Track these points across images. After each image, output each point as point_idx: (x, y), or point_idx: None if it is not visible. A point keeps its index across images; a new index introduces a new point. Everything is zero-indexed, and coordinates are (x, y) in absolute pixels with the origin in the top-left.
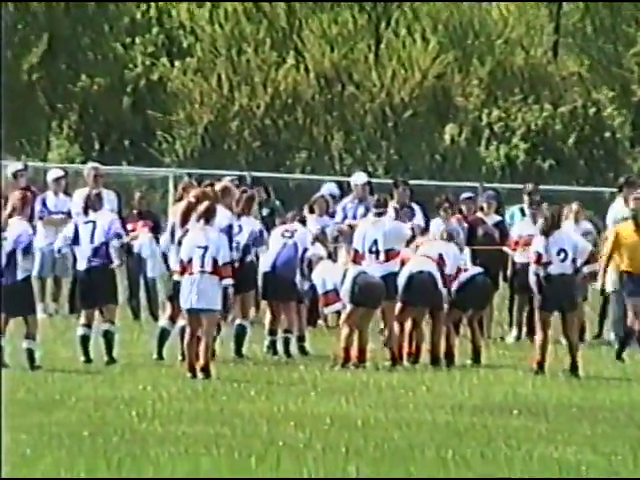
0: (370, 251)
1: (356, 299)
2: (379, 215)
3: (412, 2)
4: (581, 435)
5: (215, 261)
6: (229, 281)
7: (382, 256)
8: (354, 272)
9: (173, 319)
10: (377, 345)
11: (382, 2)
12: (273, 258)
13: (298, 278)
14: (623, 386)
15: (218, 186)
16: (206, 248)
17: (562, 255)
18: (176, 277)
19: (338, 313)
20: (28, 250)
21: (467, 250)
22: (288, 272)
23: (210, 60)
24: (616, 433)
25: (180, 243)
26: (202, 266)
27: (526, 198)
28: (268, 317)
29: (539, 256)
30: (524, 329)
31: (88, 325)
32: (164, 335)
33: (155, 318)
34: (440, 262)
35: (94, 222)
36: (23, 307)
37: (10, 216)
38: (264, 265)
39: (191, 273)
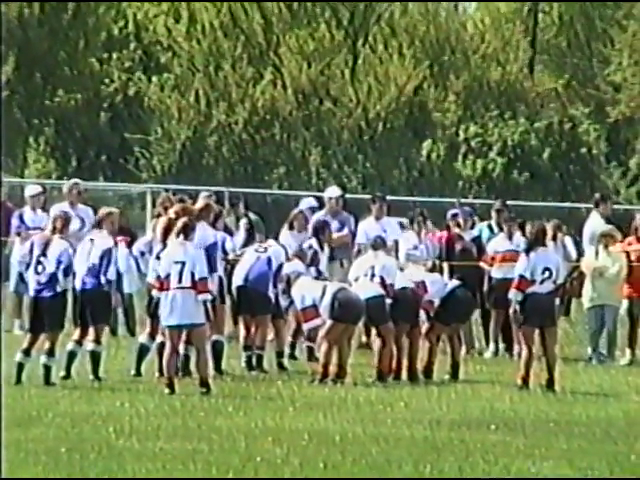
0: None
1: (336, 315)
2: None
3: (389, 1)
4: (558, 450)
5: (193, 276)
6: (206, 296)
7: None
8: (334, 288)
9: (153, 335)
10: (355, 360)
11: (361, 1)
12: (245, 272)
13: (271, 292)
14: (599, 401)
15: (199, 204)
16: (184, 263)
17: (547, 274)
18: (154, 293)
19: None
20: (68, 272)
21: (445, 265)
22: (261, 286)
23: (188, 76)
24: (592, 448)
25: (158, 258)
26: (180, 281)
27: (494, 215)
28: (242, 333)
29: (521, 280)
30: (501, 344)
31: (79, 342)
32: (143, 351)
33: (132, 334)
34: (421, 289)
35: (92, 241)
36: (53, 323)
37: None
38: (237, 279)
39: (168, 289)
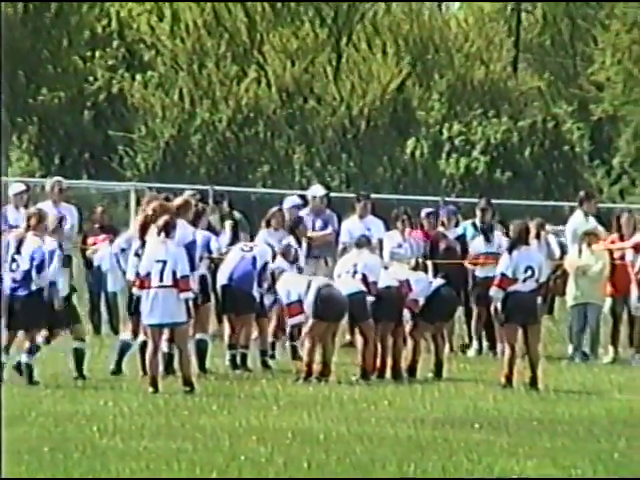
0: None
1: (319, 312)
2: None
3: (372, 1)
4: (541, 448)
5: (175, 274)
6: (188, 294)
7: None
8: (318, 284)
9: (135, 333)
10: (339, 359)
11: (344, 0)
12: (230, 271)
13: (255, 291)
14: (582, 400)
15: (178, 200)
16: (165, 262)
17: (529, 272)
18: (135, 291)
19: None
20: (41, 268)
21: (429, 264)
22: (245, 285)
23: (171, 74)
24: (576, 446)
25: (137, 255)
26: (161, 280)
27: (478, 213)
28: (227, 331)
29: (502, 279)
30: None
31: (47, 340)
32: (124, 348)
33: (116, 332)
34: (406, 287)
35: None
36: (29, 321)
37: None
38: (221, 278)
39: (149, 287)
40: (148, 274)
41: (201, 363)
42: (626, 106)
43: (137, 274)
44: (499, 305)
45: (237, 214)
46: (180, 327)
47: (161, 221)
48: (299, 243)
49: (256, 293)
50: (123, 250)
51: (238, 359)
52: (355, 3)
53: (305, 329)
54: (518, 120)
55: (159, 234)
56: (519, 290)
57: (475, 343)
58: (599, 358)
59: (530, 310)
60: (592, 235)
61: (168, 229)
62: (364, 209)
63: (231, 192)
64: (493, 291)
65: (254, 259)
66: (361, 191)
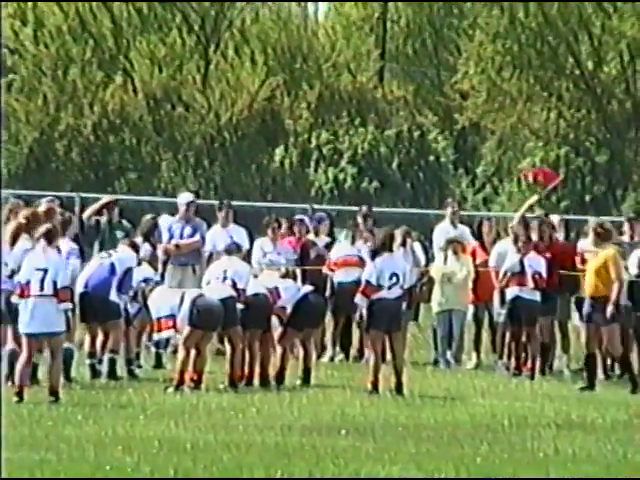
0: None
1: (194, 321)
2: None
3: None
4: (406, 453)
5: (55, 284)
6: (68, 305)
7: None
8: (193, 295)
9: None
10: (207, 367)
11: (215, 0)
12: (86, 279)
13: (115, 297)
14: (447, 405)
15: (41, 208)
16: (46, 270)
17: (394, 279)
18: (14, 299)
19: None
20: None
21: (299, 271)
22: (100, 291)
23: (35, 79)
24: (440, 451)
25: (7, 264)
26: (41, 289)
27: (360, 220)
28: (87, 340)
29: (366, 286)
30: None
31: None
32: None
33: None
34: (275, 295)
35: None
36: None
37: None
38: (78, 286)
39: (29, 296)
40: (28, 282)
41: (66, 372)
42: (489, 115)
43: (18, 284)
44: (364, 312)
45: (126, 223)
46: (57, 337)
47: (43, 228)
48: (154, 247)
49: (117, 299)
50: None
51: (104, 367)
52: (223, 10)
53: (181, 338)
54: (385, 129)
55: (37, 241)
56: (384, 297)
57: (330, 350)
58: (463, 364)
59: (394, 317)
60: (457, 242)
61: (50, 237)
62: (226, 218)
63: (97, 199)
64: (358, 299)
65: (112, 265)
66: (223, 199)
